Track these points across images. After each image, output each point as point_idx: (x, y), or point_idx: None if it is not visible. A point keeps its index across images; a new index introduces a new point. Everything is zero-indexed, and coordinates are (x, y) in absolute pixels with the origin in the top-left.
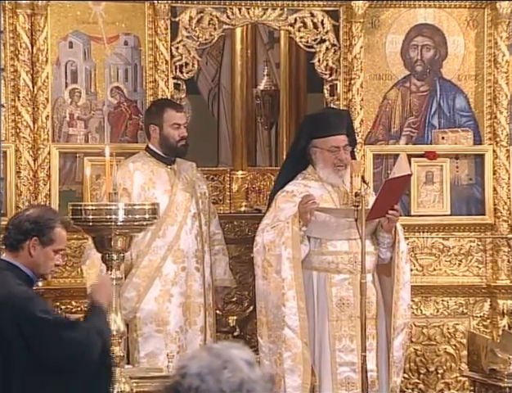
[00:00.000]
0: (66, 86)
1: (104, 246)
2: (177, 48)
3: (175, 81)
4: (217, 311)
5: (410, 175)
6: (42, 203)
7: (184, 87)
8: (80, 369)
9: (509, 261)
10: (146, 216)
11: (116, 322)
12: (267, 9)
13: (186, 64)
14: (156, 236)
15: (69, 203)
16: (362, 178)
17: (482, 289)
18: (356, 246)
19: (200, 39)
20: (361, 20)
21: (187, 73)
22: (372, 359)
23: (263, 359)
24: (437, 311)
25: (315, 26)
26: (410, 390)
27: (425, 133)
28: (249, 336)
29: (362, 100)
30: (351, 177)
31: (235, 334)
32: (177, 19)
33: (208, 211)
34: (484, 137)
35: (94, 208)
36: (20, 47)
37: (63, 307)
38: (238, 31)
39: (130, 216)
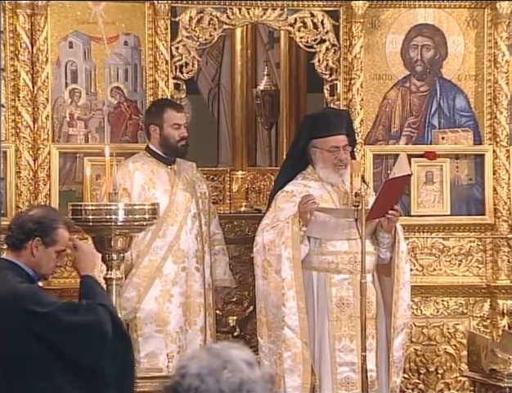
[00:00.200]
0: (66, 86)
1: (104, 246)
2: (177, 48)
3: (175, 81)
4: (217, 311)
5: (410, 175)
6: (42, 203)
7: (184, 87)
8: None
9: (509, 261)
10: (146, 216)
11: None
12: (267, 9)
13: (186, 64)
14: (156, 236)
15: (69, 203)
16: (362, 178)
17: (482, 289)
18: (356, 246)
19: (200, 39)
20: (361, 20)
21: (187, 73)
22: (372, 359)
23: (263, 359)
24: (437, 311)
25: (315, 26)
26: (410, 390)
27: (425, 133)
28: (249, 336)
29: (362, 100)
30: (351, 177)
31: (235, 334)
32: (177, 19)
33: (209, 211)
34: (484, 137)
35: (94, 208)
36: (20, 47)
37: None
38: (238, 31)
39: (130, 216)
